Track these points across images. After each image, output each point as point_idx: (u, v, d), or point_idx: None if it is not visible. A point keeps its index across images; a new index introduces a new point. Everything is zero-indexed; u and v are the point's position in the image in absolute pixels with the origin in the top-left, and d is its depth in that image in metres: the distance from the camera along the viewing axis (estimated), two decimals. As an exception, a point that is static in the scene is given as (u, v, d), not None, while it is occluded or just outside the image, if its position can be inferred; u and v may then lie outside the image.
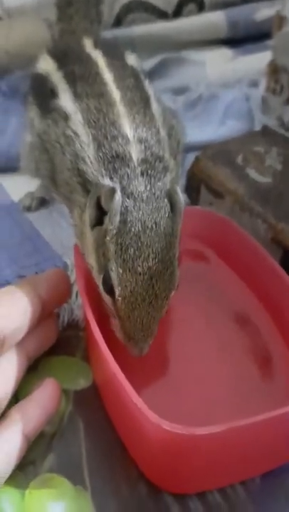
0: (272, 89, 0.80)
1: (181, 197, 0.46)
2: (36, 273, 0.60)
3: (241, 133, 0.77)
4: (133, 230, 0.44)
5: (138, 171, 0.47)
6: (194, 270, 0.58)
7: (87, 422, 0.49)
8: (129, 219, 0.44)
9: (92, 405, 0.50)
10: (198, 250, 0.60)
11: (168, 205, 0.46)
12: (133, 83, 0.55)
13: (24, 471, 0.45)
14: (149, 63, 0.89)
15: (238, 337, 0.53)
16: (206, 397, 0.48)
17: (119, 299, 0.44)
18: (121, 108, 0.51)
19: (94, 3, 0.79)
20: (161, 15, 1.00)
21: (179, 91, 0.87)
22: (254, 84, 0.86)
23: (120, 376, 0.42)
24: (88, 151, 0.49)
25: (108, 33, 0.90)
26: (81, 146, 0.50)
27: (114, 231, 0.44)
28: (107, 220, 0.45)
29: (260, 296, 0.56)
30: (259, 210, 0.59)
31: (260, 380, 0.50)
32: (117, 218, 0.44)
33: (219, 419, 0.40)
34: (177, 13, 1.01)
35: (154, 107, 0.55)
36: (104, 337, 0.45)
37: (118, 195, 0.44)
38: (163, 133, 0.52)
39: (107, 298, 0.46)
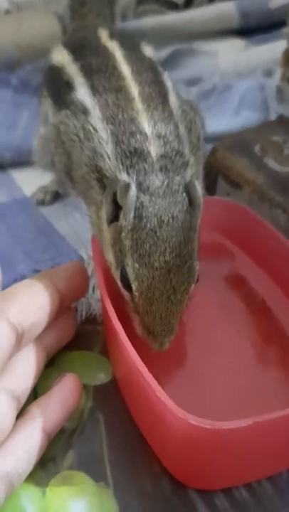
0: (287, 79, 0.78)
1: (200, 191, 0.46)
2: (52, 267, 0.59)
3: (256, 123, 0.76)
4: (149, 225, 0.43)
5: (157, 166, 0.46)
6: (213, 261, 0.57)
7: (108, 418, 0.48)
8: (144, 214, 0.44)
9: (112, 400, 0.49)
10: (217, 240, 0.59)
11: (186, 199, 0.45)
12: (151, 77, 0.54)
13: (45, 468, 0.44)
14: (161, 55, 0.88)
15: (259, 328, 0.52)
16: (227, 390, 0.47)
17: (137, 294, 0.44)
18: (139, 104, 0.50)
19: (107, 3, 0.78)
20: (172, 6, 0.99)
21: (192, 82, 0.86)
22: (269, 73, 0.84)
23: (143, 369, 0.41)
24: (107, 147, 0.48)
25: (119, 25, 0.89)
26: (100, 142, 0.49)
27: (130, 227, 0.44)
28: (121, 215, 0.44)
29: (281, 285, 0.55)
30: (279, 200, 0.58)
31: (282, 372, 0.49)
32: (132, 214, 0.44)
33: (242, 412, 0.39)
34: (188, 3, 1.00)
35: (173, 101, 0.54)
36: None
37: (133, 191, 0.44)
38: (182, 128, 0.51)
39: (125, 293, 0.45)
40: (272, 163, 0.61)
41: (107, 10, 0.78)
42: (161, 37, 0.92)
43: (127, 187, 0.44)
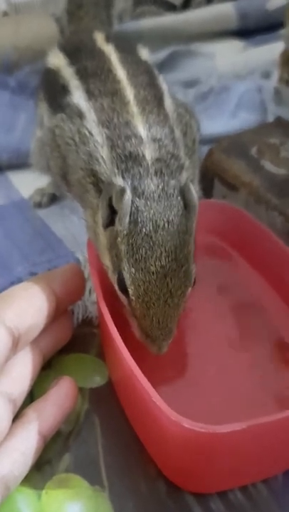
0: (285, 80, 0.79)
1: (195, 194, 0.46)
2: (49, 270, 0.59)
3: (254, 125, 0.76)
4: (144, 230, 0.44)
5: (152, 170, 0.46)
6: (209, 265, 0.57)
7: (104, 420, 0.48)
8: (140, 219, 0.44)
9: (108, 403, 0.49)
10: (213, 243, 0.59)
11: (181, 202, 0.45)
12: (147, 80, 0.55)
13: (40, 471, 0.44)
14: (159, 56, 0.88)
15: (255, 331, 0.52)
16: (224, 393, 0.47)
17: (133, 298, 0.44)
18: (134, 107, 0.51)
19: (104, 6, 0.79)
20: (170, 7, 0.99)
21: (190, 84, 0.86)
22: (266, 75, 0.85)
23: (138, 373, 0.41)
24: (102, 151, 0.48)
25: (117, 27, 0.89)
26: (95, 146, 0.49)
27: (125, 232, 0.44)
28: (117, 220, 0.44)
29: (277, 288, 0.55)
30: (275, 202, 0.58)
31: (279, 374, 0.49)
32: (127, 219, 0.44)
33: (239, 415, 0.39)
34: (186, 5, 1.00)
35: (168, 104, 0.54)
36: (119, 333, 0.44)
37: (128, 196, 0.44)
38: (177, 132, 0.52)
39: (123, 297, 0.45)
40: (268, 166, 0.61)
41: (103, 13, 0.78)
42: (158, 38, 0.92)
43: (122, 192, 0.44)
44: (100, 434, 0.47)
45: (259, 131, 0.68)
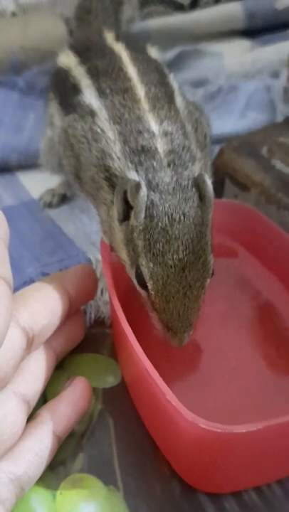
0: (294, 80, 0.78)
1: (210, 184, 0.45)
2: (60, 270, 0.59)
3: (263, 124, 0.75)
4: (160, 224, 0.43)
5: (164, 162, 0.46)
6: (221, 265, 0.56)
7: (117, 420, 0.48)
8: (155, 213, 0.44)
9: (121, 403, 0.49)
10: (224, 243, 0.59)
11: (196, 194, 0.45)
12: (157, 78, 0.55)
13: (55, 472, 0.45)
14: (167, 56, 0.88)
15: (267, 331, 0.52)
16: (237, 394, 0.47)
17: (153, 292, 0.44)
18: (146, 104, 0.51)
19: (112, 12, 0.79)
20: (178, 7, 0.98)
21: (198, 83, 0.85)
22: (275, 74, 0.84)
23: (153, 372, 0.41)
24: (114, 147, 0.49)
25: (124, 27, 0.89)
26: (107, 143, 0.49)
27: (141, 227, 0.44)
28: (132, 215, 0.44)
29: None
30: (287, 201, 0.57)
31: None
32: (142, 214, 0.44)
33: (252, 415, 0.39)
34: (194, 4, 0.99)
35: (179, 101, 0.54)
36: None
37: (143, 191, 0.44)
38: (188, 126, 0.52)
39: (142, 292, 0.45)
40: (279, 165, 0.61)
41: (112, 18, 0.78)
42: (166, 38, 0.92)
43: (137, 187, 0.44)
44: (113, 434, 0.47)
45: (269, 130, 0.68)
